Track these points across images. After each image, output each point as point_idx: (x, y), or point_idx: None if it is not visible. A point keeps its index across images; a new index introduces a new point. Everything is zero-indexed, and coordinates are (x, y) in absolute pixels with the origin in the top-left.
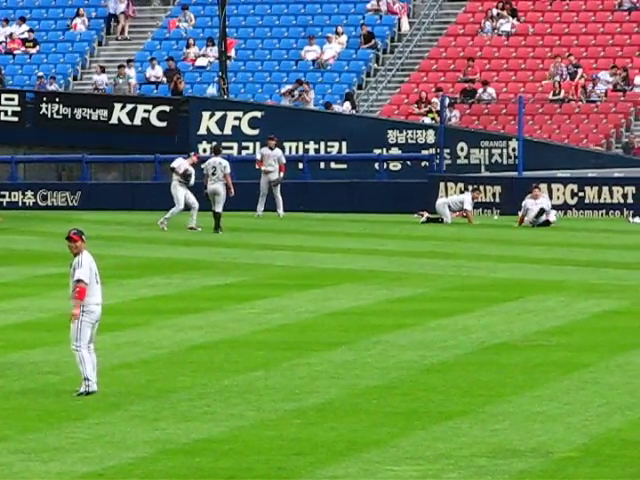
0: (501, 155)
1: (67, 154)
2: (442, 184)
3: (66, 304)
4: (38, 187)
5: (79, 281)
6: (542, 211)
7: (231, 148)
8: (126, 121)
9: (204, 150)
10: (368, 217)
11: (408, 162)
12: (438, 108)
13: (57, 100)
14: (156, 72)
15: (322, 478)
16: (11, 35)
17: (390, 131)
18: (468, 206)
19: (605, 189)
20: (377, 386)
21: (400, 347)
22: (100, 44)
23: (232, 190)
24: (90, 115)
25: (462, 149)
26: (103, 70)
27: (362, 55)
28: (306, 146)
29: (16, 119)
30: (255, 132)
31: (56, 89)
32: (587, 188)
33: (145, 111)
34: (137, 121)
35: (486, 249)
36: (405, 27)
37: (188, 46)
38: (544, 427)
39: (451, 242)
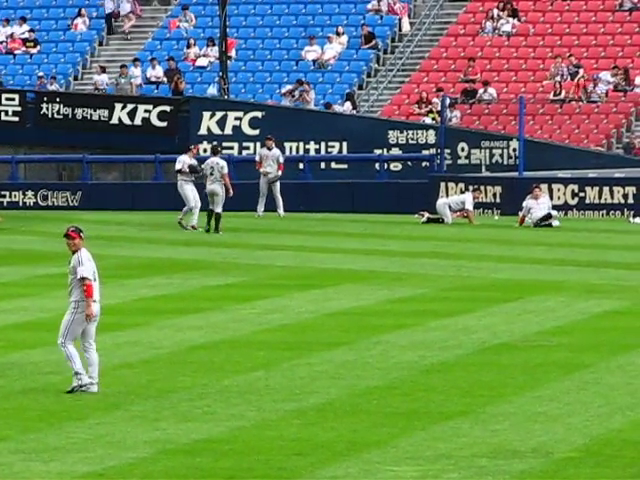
0: (502, 155)
1: (68, 154)
2: (443, 184)
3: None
4: (39, 187)
5: (84, 279)
6: (549, 215)
7: (232, 148)
8: (127, 121)
9: (204, 150)
10: (369, 217)
11: (409, 162)
12: (439, 108)
13: (58, 100)
14: (157, 72)
15: (322, 478)
16: (12, 35)
17: (391, 131)
18: (469, 206)
19: (606, 189)
20: (377, 386)
21: (401, 347)
22: (101, 44)
23: (231, 190)
24: (91, 115)
25: (463, 149)
26: (104, 70)
27: (363, 55)
28: (307, 146)
29: (17, 119)
30: (256, 132)
31: (57, 89)
32: (588, 188)
33: (146, 111)
34: (138, 121)
35: (487, 249)
36: (406, 27)
37: (189, 46)
38: (545, 427)
39: (452, 242)
